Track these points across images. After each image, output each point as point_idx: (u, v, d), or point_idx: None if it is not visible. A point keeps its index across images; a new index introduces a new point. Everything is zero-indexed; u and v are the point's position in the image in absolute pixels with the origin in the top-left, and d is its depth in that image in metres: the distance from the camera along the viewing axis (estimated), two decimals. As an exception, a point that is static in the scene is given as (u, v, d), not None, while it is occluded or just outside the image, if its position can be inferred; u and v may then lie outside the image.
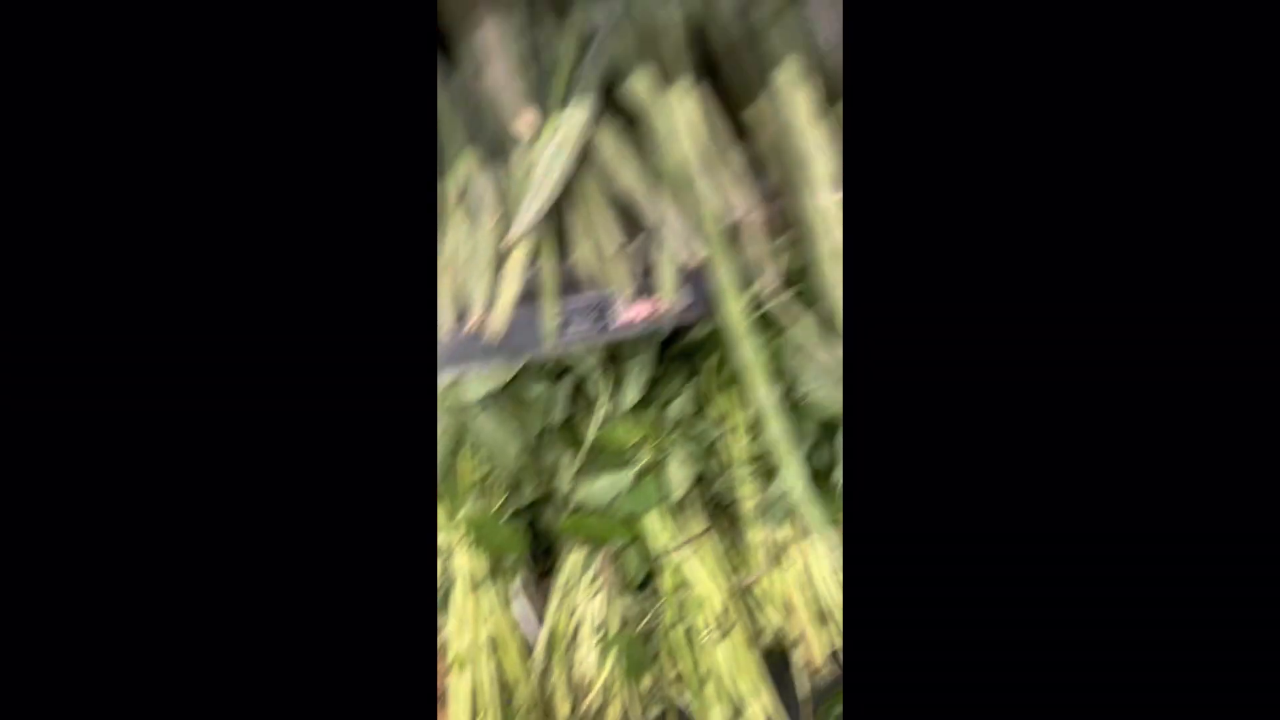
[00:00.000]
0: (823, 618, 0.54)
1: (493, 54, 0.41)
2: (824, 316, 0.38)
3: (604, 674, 0.53)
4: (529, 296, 0.40)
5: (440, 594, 0.54)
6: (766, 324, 0.41)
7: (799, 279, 0.40)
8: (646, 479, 0.55)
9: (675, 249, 0.38)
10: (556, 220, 0.41)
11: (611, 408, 0.55)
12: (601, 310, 0.42)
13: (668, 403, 0.56)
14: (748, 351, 0.38)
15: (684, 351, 0.56)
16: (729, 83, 0.42)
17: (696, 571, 0.55)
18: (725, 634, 0.54)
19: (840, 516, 0.53)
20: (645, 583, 0.57)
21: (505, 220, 0.40)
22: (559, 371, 0.55)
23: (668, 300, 0.40)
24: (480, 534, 0.54)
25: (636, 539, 0.56)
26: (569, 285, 0.42)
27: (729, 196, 0.39)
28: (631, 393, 0.56)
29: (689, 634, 0.54)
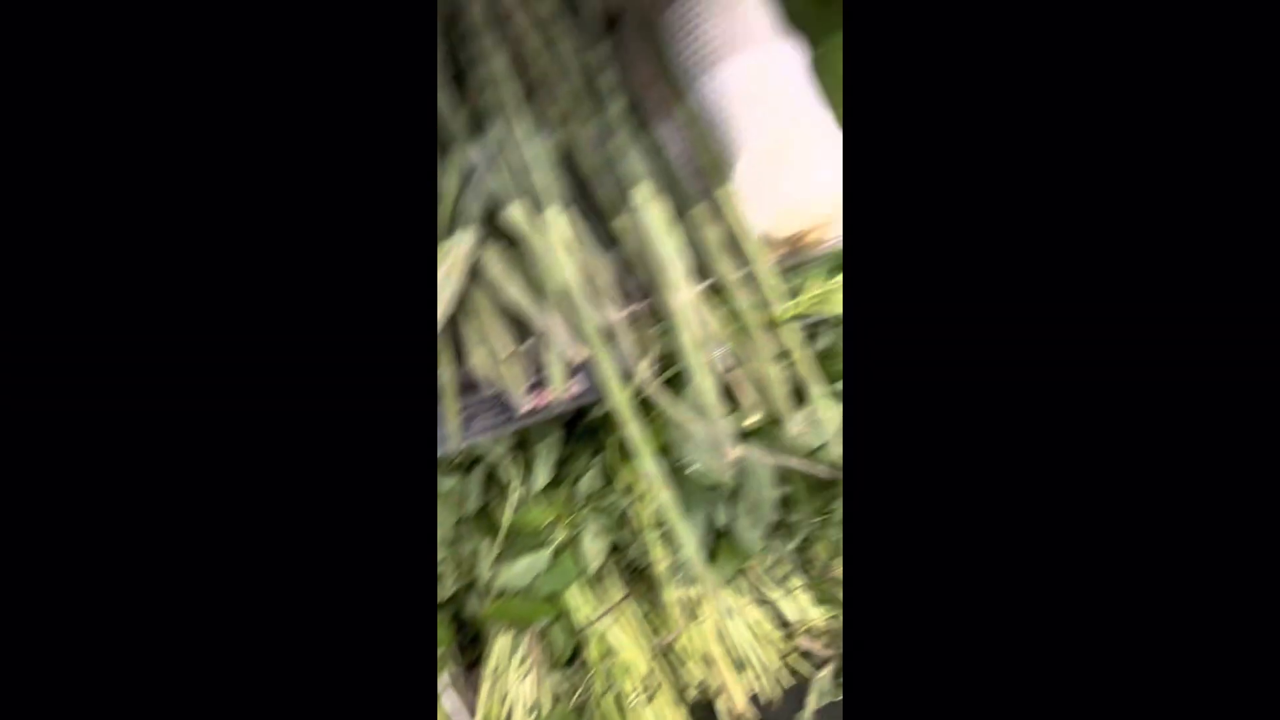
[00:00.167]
0: (739, 665, 0.58)
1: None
2: (693, 397, 0.44)
3: (540, 753, 0.55)
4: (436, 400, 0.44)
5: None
6: (648, 405, 0.47)
7: (673, 361, 0.46)
8: (564, 555, 0.58)
9: (561, 349, 0.44)
10: (453, 332, 0.46)
11: (524, 491, 0.58)
12: (502, 404, 0.46)
13: (577, 479, 0.60)
14: (634, 432, 0.43)
15: (589, 428, 0.61)
16: (597, 199, 0.49)
17: (620, 638, 0.58)
18: (652, 696, 0.57)
19: (743, 567, 0.58)
20: (573, 657, 0.59)
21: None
22: (470, 463, 0.58)
23: (561, 391, 0.45)
24: (406, 631, 0.55)
25: (560, 615, 0.59)
26: (469, 387, 0.46)
27: (603, 301, 0.44)
28: (542, 475, 0.59)
29: (619, 700, 0.57)
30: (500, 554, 0.57)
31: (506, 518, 0.57)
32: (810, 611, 0.58)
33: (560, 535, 0.58)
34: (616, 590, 0.59)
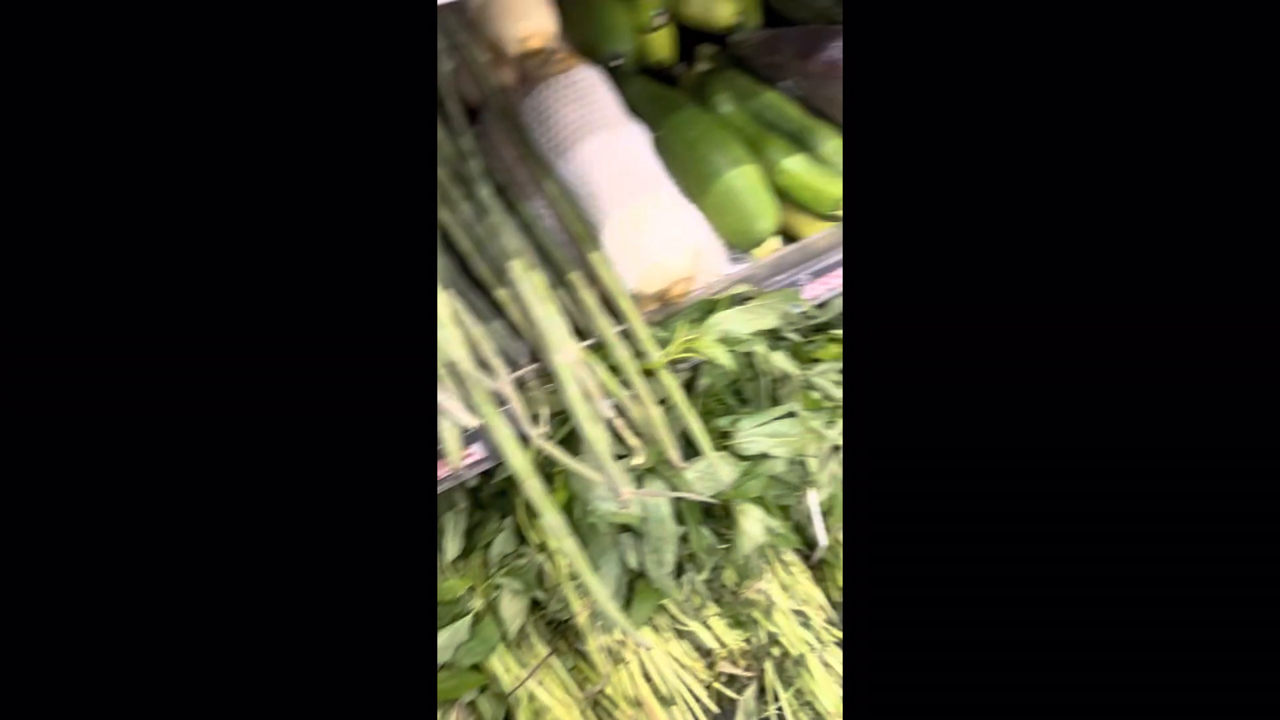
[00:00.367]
0: (667, 701, 0.60)
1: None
2: (585, 448, 0.47)
3: (478, 831, 0.53)
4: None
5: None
6: (547, 462, 0.50)
7: (566, 417, 0.49)
8: (484, 622, 0.58)
9: (456, 419, 0.46)
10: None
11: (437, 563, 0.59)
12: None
13: (489, 544, 0.61)
14: (535, 490, 0.46)
15: (498, 491, 0.62)
16: (478, 271, 0.52)
17: (548, 697, 0.58)
18: (587, 748, 0.57)
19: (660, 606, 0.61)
20: (504, 723, 0.59)
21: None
22: (379, 544, 0.58)
23: (458, 460, 0.46)
24: None
25: (486, 685, 0.59)
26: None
27: (491, 369, 0.47)
28: (452, 546, 0.60)
29: (554, 760, 0.57)
30: (418, 631, 0.57)
31: (421, 593, 0.57)
32: (727, 636, 0.61)
33: (477, 603, 0.59)
34: (540, 648, 0.60)
